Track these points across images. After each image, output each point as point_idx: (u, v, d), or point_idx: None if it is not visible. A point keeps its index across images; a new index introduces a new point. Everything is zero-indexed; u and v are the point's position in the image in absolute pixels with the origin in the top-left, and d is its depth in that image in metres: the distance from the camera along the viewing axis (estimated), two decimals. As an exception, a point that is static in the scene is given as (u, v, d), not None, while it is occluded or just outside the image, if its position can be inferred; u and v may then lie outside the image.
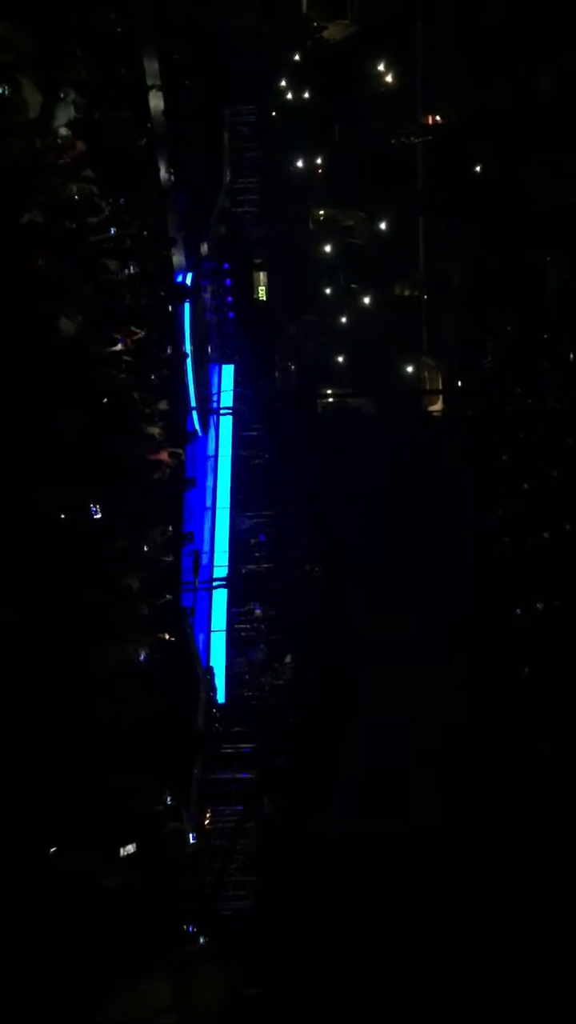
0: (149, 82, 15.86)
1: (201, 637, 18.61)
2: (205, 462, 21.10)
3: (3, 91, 9.46)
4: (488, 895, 15.10)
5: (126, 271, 13.75)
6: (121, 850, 7.98)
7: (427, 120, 25.48)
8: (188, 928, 10.33)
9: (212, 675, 18.39)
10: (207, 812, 16.08)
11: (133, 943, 7.15)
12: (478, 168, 24.63)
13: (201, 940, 10.07)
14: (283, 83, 24.49)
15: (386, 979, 14.57)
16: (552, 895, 15.03)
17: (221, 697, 18.93)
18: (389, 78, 25.37)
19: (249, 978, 13.93)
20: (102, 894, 7.35)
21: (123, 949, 6.99)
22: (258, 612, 21.34)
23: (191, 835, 14.03)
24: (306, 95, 24.74)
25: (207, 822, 15.97)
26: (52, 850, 6.96)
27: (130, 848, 8.06)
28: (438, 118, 25.58)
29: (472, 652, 19.26)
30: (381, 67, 25.27)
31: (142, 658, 10.87)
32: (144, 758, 8.97)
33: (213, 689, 18.24)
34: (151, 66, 15.89)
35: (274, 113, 24.54)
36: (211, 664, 18.82)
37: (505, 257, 24.15)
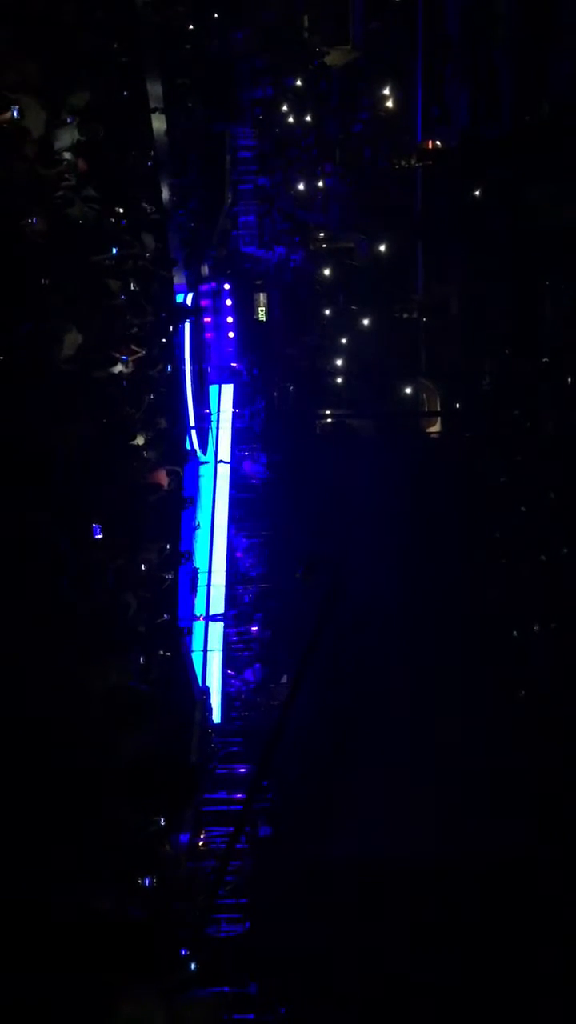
0: (152, 105, 16.03)
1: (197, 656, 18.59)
2: (203, 481, 21.13)
3: (9, 114, 9.56)
4: (488, 919, 14.97)
5: (127, 291, 13.85)
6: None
7: (427, 145, 25.68)
8: (180, 952, 10.24)
9: (208, 696, 18.35)
10: (201, 834, 15.99)
11: (125, 968, 7.10)
12: (477, 192, 24.80)
13: (193, 965, 9.97)
14: (285, 107, 24.69)
15: (383, 1004, 14.44)
16: (557, 918, 14.92)
17: (217, 718, 18.88)
18: (390, 103, 25.58)
19: (243, 1003, 13.83)
20: (95, 919, 7.31)
21: (115, 974, 6.94)
22: (254, 631, 21.34)
23: (184, 858, 13.96)
24: (308, 119, 24.94)
25: (201, 844, 15.88)
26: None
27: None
28: (438, 143, 25.78)
29: (469, 674, 19.20)
30: (383, 92, 25.49)
31: (139, 678, 10.87)
32: (138, 780, 8.93)
33: (209, 710, 18.20)
34: (154, 89, 16.06)
35: (276, 135, 24.74)
36: (207, 684, 18.79)
37: (503, 281, 24.29)
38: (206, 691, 18.42)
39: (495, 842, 16.05)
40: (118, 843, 8.21)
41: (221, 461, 21.71)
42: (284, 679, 20.24)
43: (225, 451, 22.22)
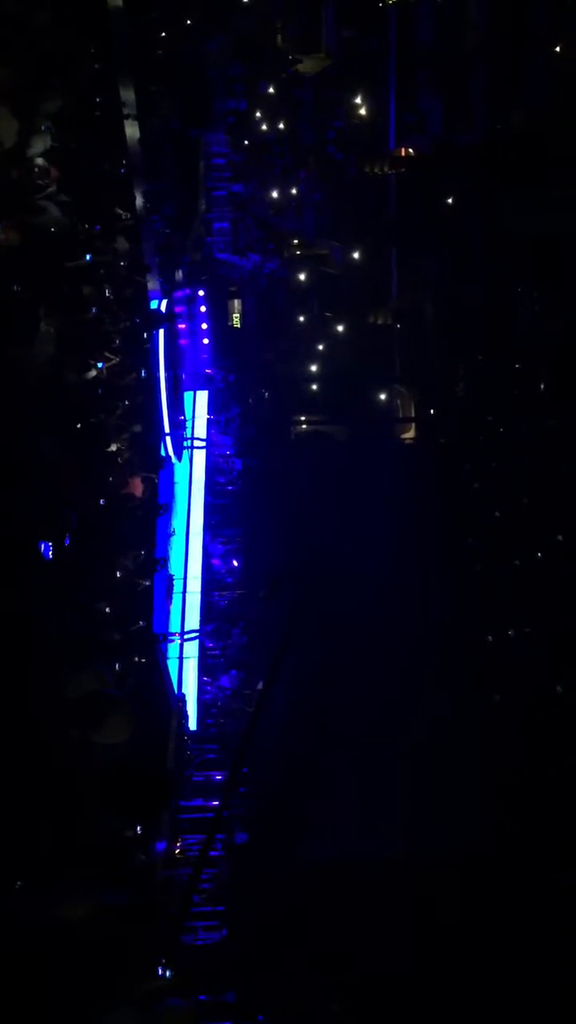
0: (125, 111, 16.03)
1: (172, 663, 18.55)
2: (178, 487, 21.10)
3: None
4: (465, 919, 15.02)
5: (101, 297, 13.83)
6: None
7: (400, 152, 25.81)
8: (155, 961, 10.20)
9: (183, 703, 18.31)
10: (177, 842, 15.95)
11: (98, 977, 7.06)
12: (450, 200, 24.97)
13: (168, 974, 9.94)
14: (258, 115, 24.76)
15: (361, 1009, 14.44)
16: (530, 916, 15.01)
17: (193, 724, 18.85)
18: (363, 111, 25.69)
19: (220, 1011, 13.79)
20: (67, 927, 7.26)
21: (88, 983, 6.90)
22: (231, 638, 21.31)
23: (160, 866, 13.92)
24: (281, 126, 25.02)
25: (177, 852, 15.83)
26: None
27: None
28: (411, 150, 25.92)
29: (443, 678, 19.27)
30: (356, 100, 25.60)
31: (114, 686, 10.81)
32: (114, 788, 8.89)
33: (185, 717, 18.16)
34: (127, 96, 16.06)
35: (249, 143, 24.81)
36: (183, 691, 18.75)
37: (476, 288, 24.46)
38: (182, 698, 18.38)
39: (470, 843, 16.13)
40: (92, 851, 8.17)
41: (196, 469, 21.65)
42: (260, 685, 20.23)
43: (200, 459, 22.20)
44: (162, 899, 12.95)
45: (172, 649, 18.67)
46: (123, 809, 9.31)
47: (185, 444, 21.08)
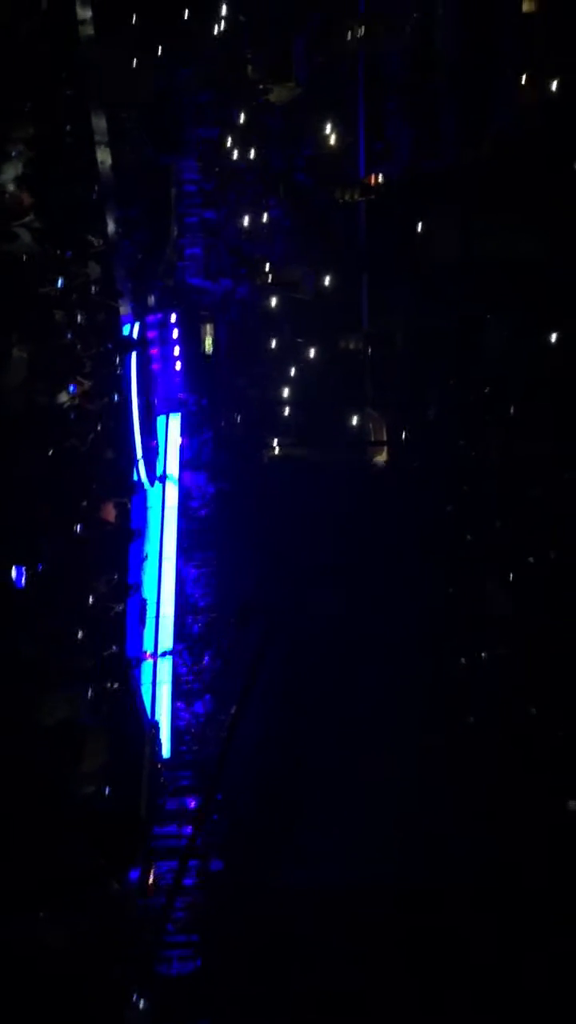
0: (96, 138, 16.12)
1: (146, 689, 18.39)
2: (151, 512, 21.01)
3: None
4: (443, 943, 14.95)
5: (73, 322, 13.83)
6: None
7: (370, 180, 26.09)
8: (129, 991, 10.06)
9: (157, 729, 18.15)
10: (151, 870, 15.76)
11: (71, 1005, 6.96)
12: (420, 226, 25.24)
13: (142, 1004, 9.80)
14: (229, 142, 24.96)
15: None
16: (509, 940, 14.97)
17: (167, 751, 18.68)
18: (333, 139, 25.96)
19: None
20: (41, 955, 7.15)
21: (61, 1011, 6.80)
22: (205, 662, 21.18)
23: (134, 894, 13.76)
24: (252, 154, 25.22)
25: (151, 880, 15.64)
26: None
27: None
28: (381, 177, 26.21)
29: (415, 701, 19.27)
30: (326, 127, 25.87)
31: (87, 712, 10.74)
32: (88, 816, 8.80)
33: (158, 743, 18.01)
34: (99, 123, 16.16)
35: (220, 170, 24.97)
36: (156, 718, 18.59)
37: (447, 313, 24.69)
38: (156, 724, 18.23)
39: (449, 867, 16.08)
40: (66, 880, 8.08)
41: (168, 493, 21.56)
42: (232, 711, 20.12)
43: (173, 482, 22.13)
44: (136, 928, 12.79)
45: (146, 674, 18.53)
46: (97, 840, 9.23)
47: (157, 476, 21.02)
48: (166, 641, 19.64)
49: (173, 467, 22.36)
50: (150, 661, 18.80)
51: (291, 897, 15.67)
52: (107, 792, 10.84)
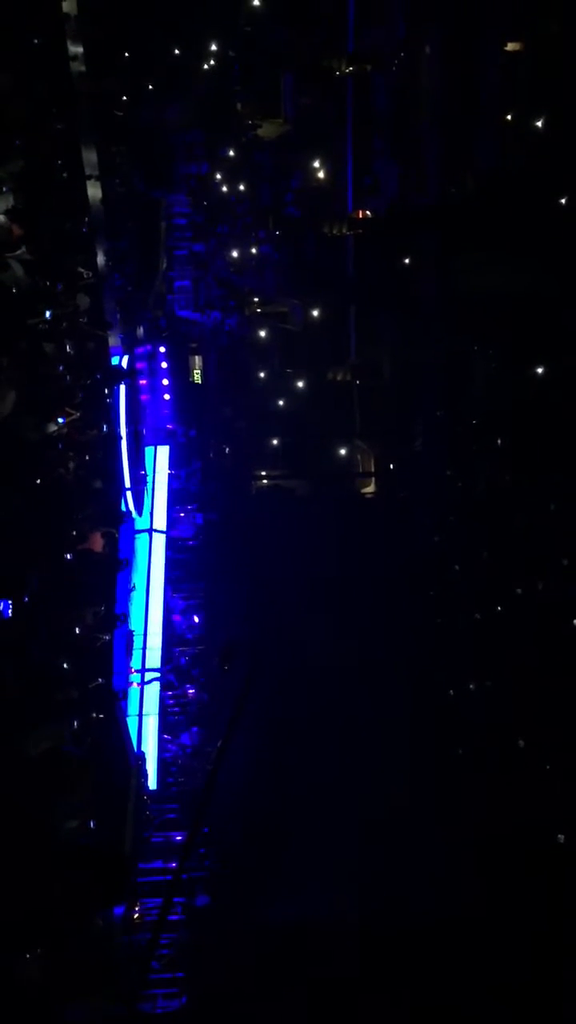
0: (87, 172, 16.25)
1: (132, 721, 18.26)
2: (139, 542, 20.98)
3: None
4: (440, 982, 14.77)
5: (63, 353, 13.87)
6: None
7: (357, 214, 26.42)
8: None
9: (143, 761, 18.00)
10: (136, 906, 15.55)
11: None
12: (406, 260, 25.51)
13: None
14: (218, 177, 25.24)
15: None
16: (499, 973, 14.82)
17: (153, 784, 18.52)
18: (321, 174, 26.29)
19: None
20: (20, 993, 7.04)
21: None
22: (191, 694, 21.08)
23: (119, 931, 13.56)
24: (241, 188, 25.51)
25: (136, 917, 15.43)
26: None
27: None
28: (368, 212, 26.53)
29: (405, 732, 19.19)
30: (314, 164, 26.21)
31: (73, 743, 10.65)
32: (72, 851, 8.70)
33: (144, 776, 17.84)
34: (89, 157, 16.30)
35: (210, 204, 25.23)
36: (142, 750, 18.44)
37: (433, 345, 24.90)
38: (142, 756, 18.07)
39: (436, 900, 15.93)
40: (48, 916, 7.97)
41: (156, 530, 21.57)
42: (220, 743, 19.96)
43: (161, 515, 22.09)
44: (121, 966, 12.59)
45: (132, 706, 18.40)
46: (81, 877, 9.11)
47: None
48: (153, 672, 19.55)
49: (161, 497, 22.37)
50: (136, 690, 18.70)
51: (277, 933, 15.49)
52: (92, 826, 10.72)
